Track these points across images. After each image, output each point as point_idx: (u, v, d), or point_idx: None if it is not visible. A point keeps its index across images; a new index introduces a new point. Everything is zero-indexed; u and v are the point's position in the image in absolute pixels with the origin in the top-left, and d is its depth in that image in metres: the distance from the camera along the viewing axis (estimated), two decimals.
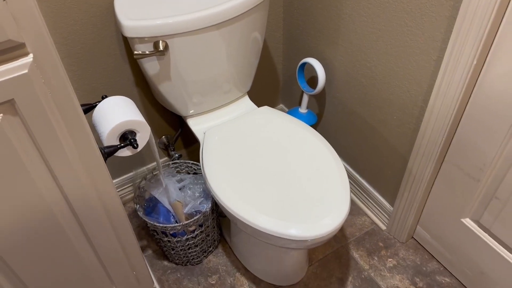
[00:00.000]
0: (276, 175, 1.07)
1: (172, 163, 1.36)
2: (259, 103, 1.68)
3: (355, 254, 1.39)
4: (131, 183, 1.54)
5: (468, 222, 1.17)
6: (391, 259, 1.37)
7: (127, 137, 0.95)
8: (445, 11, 0.91)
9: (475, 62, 0.90)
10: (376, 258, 1.37)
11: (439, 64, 0.99)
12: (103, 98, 1.00)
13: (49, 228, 0.87)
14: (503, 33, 0.86)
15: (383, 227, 1.46)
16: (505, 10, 0.83)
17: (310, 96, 1.54)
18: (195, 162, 1.35)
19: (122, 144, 0.93)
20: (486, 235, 1.14)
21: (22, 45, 0.63)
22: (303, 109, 1.48)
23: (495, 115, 0.95)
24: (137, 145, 0.94)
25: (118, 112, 0.94)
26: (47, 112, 0.70)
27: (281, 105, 1.79)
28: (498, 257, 1.11)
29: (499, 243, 1.11)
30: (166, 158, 1.58)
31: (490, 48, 0.90)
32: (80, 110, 0.76)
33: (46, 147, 0.74)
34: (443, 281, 1.30)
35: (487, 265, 1.17)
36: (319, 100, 1.51)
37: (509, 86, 0.89)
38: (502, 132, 0.95)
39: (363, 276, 1.33)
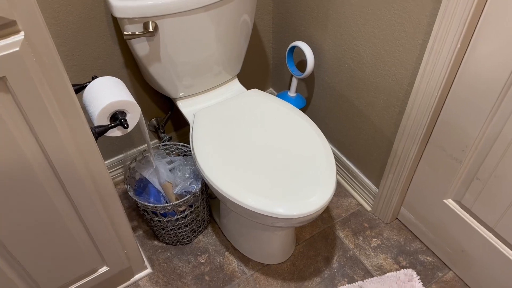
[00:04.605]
0: (265, 156, 1.09)
1: (162, 145, 1.37)
2: (248, 87, 1.70)
3: (341, 234, 1.42)
4: (122, 165, 1.55)
5: (450, 202, 1.21)
6: (375, 239, 1.41)
7: (118, 117, 0.96)
8: None
9: (459, 45, 0.93)
10: (361, 238, 1.41)
11: (424, 47, 1.01)
12: (93, 78, 1.01)
13: (40, 206, 0.88)
14: (487, 14, 0.88)
15: (368, 208, 1.50)
16: None
17: (299, 80, 1.56)
18: (185, 144, 1.36)
19: (112, 124, 0.94)
20: (467, 215, 1.18)
21: (13, 23, 0.64)
22: (292, 93, 1.49)
23: (478, 97, 0.98)
24: (127, 125, 0.95)
25: (109, 92, 0.95)
26: (38, 90, 0.71)
27: (271, 89, 1.80)
28: (478, 235, 1.16)
29: (479, 222, 1.15)
30: (156, 140, 1.59)
31: (474, 30, 0.92)
32: (70, 88, 0.77)
33: (38, 125, 0.75)
34: (426, 260, 1.35)
35: (467, 244, 1.21)
36: (308, 84, 1.53)
37: (492, 67, 0.92)
38: (485, 113, 0.98)
39: (348, 255, 1.37)
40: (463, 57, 0.97)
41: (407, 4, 0.99)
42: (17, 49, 0.65)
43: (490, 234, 1.14)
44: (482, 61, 0.93)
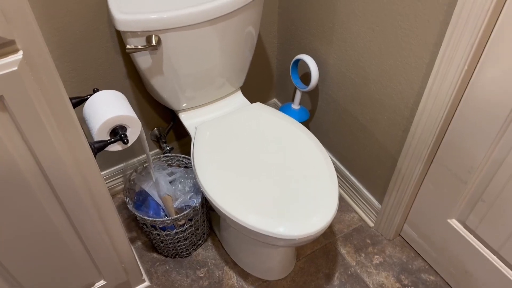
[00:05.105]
0: (266, 172, 1.08)
1: (163, 156, 1.36)
2: (252, 98, 1.68)
3: (343, 250, 1.40)
4: (122, 174, 1.54)
5: (454, 223, 1.19)
6: (377, 256, 1.39)
7: (118, 132, 0.95)
8: (439, 15, 0.91)
9: (466, 67, 0.91)
10: (363, 254, 1.39)
11: (430, 67, 0.99)
12: (94, 91, 1.00)
13: (36, 219, 0.87)
14: (495, 38, 0.86)
15: (371, 224, 1.48)
16: (497, 17, 0.84)
17: (303, 93, 1.54)
18: (186, 156, 1.35)
19: (112, 139, 0.93)
20: (472, 236, 1.15)
21: (12, 42, 0.63)
22: (295, 105, 1.48)
23: (485, 120, 0.96)
24: (128, 140, 0.94)
25: (109, 107, 0.94)
26: (36, 108, 0.70)
27: (275, 100, 1.79)
28: (482, 257, 1.13)
29: (483, 245, 1.13)
30: (157, 150, 1.58)
31: (482, 53, 0.90)
32: (70, 106, 0.76)
33: (36, 142, 0.73)
34: (428, 279, 1.33)
35: (471, 265, 1.19)
36: (312, 97, 1.51)
37: (500, 90, 0.90)
38: (491, 135, 0.96)
39: (349, 272, 1.35)
40: (470, 79, 0.95)
41: (414, 23, 0.98)
42: (15, 68, 0.64)
43: (495, 257, 1.11)
44: (490, 84, 0.91)
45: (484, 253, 1.13)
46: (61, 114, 0.75)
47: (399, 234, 1.44)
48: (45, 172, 0.79)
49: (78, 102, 1.01)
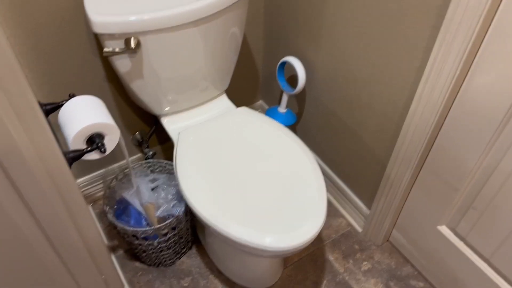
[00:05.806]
0: (252, 180, 1.04)
1: (145, 162, 1.31)
2: (238, 100, 1.64)
3: (331, 257, 1.37)
4: (103, 180, 1.48)
5: (444, 229, 1.17)
6: (366, 262, 1.36)
7: (95, 140, 0.90)
8: (430, 20, 0.88)
9: (458, 72, 0.88)
10: (351, 261, 1.36)
11: (421, 72, 0.96)
12: (70, 96, 0.95)
13: (4, 230, 0.82)
14: (488, 43, 0.83)
15: (359, 230, 1.45)
16: (490, 23, 0.81)
17: (290, 95, 1.50)
18: (169, 162, 1.30)
19: (88, 149, 0.88)
20: (462, 243, 1.13)
21: None
22: (282, 109, 1.44)
23: (477, 126, 0.93)
24: (105, 149, 0.89)
25: (85, 114, 0.89)
26: (5, 121, 0.64)
27: (261, 101, 1.75)
28: (472, 265, 1.11)
29: (474, 252, 1.11)
30: (140, 155, 1.53)
31: (473, 59, 0.87)
32: (41, 116, 0.71)
33: (4, 155, 0.68)
34: (417, 286, 1.30)
35: (461, 272, 1.17)
36: (299, 100, 1.48)
37: (492, 97, 0.87)
38: (484, 142, 0.94)
39: (337, 279, 1.32)
40: (462, 83, 0.92)
41: (404, 27, 0.94)
42: None
43: (485, 265, 1.09)
44: (482, 90, 0.88)
45: (474, 261, 1.11)
46: (31, 123, 0.70)
47: (388, 240, 1.42)
48: (14, 183, 0.74)
49: (53, 108, 0.96)
